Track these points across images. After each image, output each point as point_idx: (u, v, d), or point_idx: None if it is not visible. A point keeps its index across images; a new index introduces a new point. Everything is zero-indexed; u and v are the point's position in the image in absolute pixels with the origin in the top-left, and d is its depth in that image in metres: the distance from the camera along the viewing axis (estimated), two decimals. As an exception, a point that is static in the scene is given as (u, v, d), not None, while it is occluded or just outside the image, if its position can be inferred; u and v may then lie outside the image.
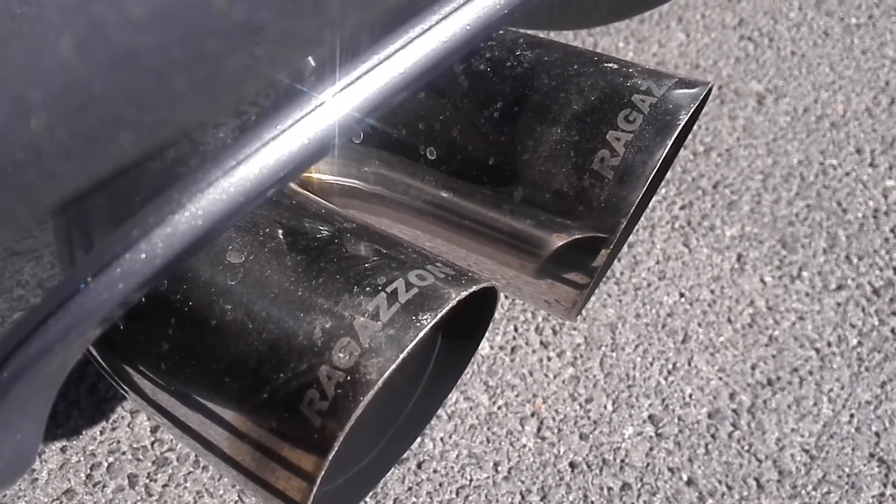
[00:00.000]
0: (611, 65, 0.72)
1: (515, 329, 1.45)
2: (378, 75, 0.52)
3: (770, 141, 1.71)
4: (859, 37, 1.90)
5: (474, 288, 0.62)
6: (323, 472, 0.57)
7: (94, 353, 0.68)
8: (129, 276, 0.46)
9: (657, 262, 1.54)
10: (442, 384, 0.77)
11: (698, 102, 0.69)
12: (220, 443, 0.62)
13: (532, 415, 1.37)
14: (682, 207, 1.61)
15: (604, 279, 1.51)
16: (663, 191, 1.62)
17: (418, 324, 0.58)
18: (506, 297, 1.52)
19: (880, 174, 1.67)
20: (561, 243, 0.69)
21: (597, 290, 1.50)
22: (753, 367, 1.44)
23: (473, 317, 0.73)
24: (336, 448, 0.56)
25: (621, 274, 1.52)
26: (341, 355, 0.57)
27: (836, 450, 1.34)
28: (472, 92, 0.71)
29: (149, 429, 1.33)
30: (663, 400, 1.39)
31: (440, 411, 1.37)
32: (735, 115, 1.74)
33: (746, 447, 1.34)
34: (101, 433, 1.32)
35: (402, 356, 0.57)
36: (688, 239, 1.57)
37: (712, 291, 1.51)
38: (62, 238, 0.45)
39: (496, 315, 1.46)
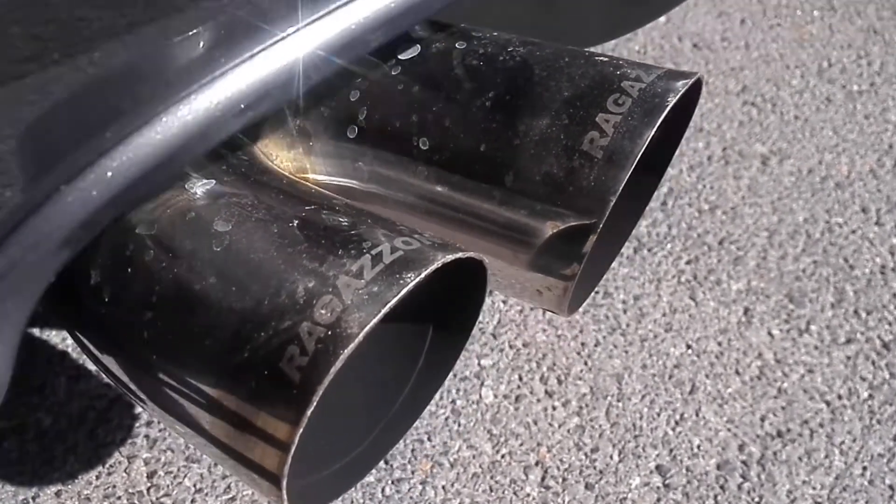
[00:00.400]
0: (601, 58, 0.73)
1: (520, 378, 1.43)
2: (346, 13, 0.53)
3: (775, 200, 1.71)
4: (862, 103, 1.93)
5: (461, 255, 0.62)
6: (301, 430, 0.56)
7: (78, 330, 0.67)
8: (101, 186, 0.46)
9: (663, 315, 1.53)
10: (432, 379, 0.76)
11: (687, 87, 0.70)
12: (201, 411, 0.61)
13: (536, 464, 1.34)
14: (687, 262, 1.60)
15: (609, 330, 1.50)
16: (668, 246, 1.62)
17: (401, 281, 0.58)
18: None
19: (886, 232, 1.67)
20: (551, 227, 0.69)
21: (602, 340, 1.48)
22: (763, 419, 1.41)
23: (462, 306, 0.72)
24: (315, 403, 0.55)
25: (627, 325, 1.51)
26: (323, 311, 0.57)
27: (850, 503, 1.30)
28: (465, 83, 0.73)
29: (145, 474, 1.30)
30: (671, 450, 1.36)
31: (443, 459, 1.34)
32: (739, 174, 1.76)
33: (757, 499, 1.30)
34: (97, 478, 1.30)
35: (383, 311, 0.56)
36: (694, 292, 1.56)
37: (719, 343, 1.49)
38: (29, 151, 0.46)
39: (500, 364, 1.45)
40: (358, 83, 0.75)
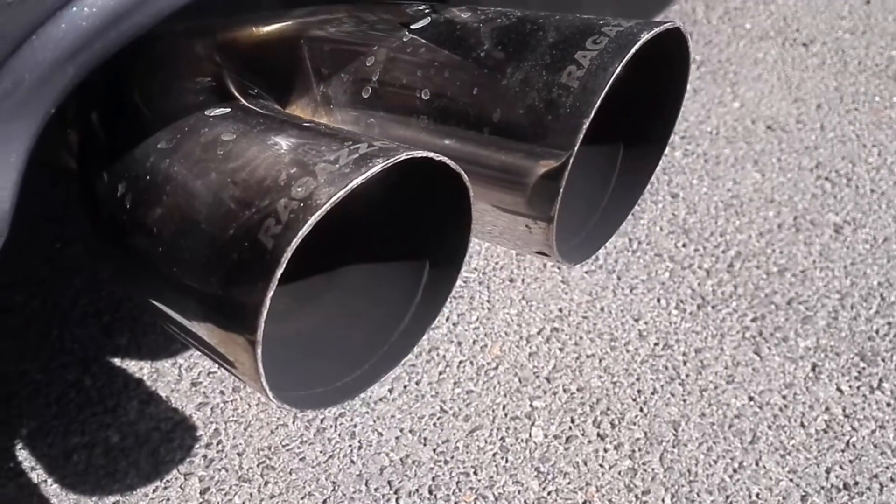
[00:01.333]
0: (591, 17, 0.80)
1: (572, 420, 1.43)
2: None
3: (848, 265, 1.69)
4: (943, 178, 1.90)
5: (432, 155, 0.68)
6: (271, 291, 0.61)
7: (102, 236, 0.76)
8: (89, 17, 0.54)
9: (725, 367, 1.51)
10: (428, 310, 0.80)
11: (664, 28, 0.76)
12: (193, 292, 0.67)
13: (584, 503, 1.32)
14: (753, 320, 1.59)
15: (668, 380, 1.49)
16: (734, 304, 1.61)
17: (370, 164, 0.64)
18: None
19: (968, 296, 1.61)
20: (532, 159, 0.74)
21: (660, 389, 1.47)
22: (828, 471, 1.35)
23: (452, 241, 0.77)
24: (283, 263, 0.61)
25: (686, 376, 1.50)
26: (299, 189, 0.64)
27: (922, 554, 1.22)
28: (464, 41, 0.81)
29: (198, 490, 1.36)
30: (727, 497, 1.32)
31: (488, 493, 1.34)
32: (811, 241, 1.75)
33: (818, 546, 1.24)
34: (154, 491, 1.36)
35: (350, 186, 0.62)
36: (759, 348, 1.54)
37: (784, 397, 1.46)
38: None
39: (553, 406, 1.45)
40: (374, 50, 0.84)
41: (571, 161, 0.71)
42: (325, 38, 0.88)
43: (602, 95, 0.71)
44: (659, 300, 1.64)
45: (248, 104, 0.80)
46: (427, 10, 0.87)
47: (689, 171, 1.93)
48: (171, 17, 0.77)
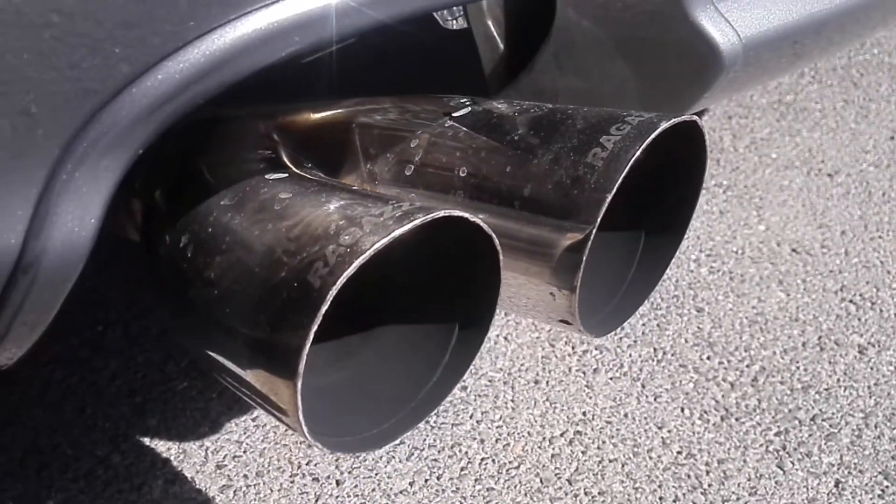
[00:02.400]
0: (615, 109, 0.88)
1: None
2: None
3: (872, 385, 1.71)
4: (967, 306, 1.93)
5: (468, 216, 0.74)
6: (316, 325, 0.67)
7: (162, 284, 0.82)
8: (184, 70, 0.62)
9: (748, 479, 1.52)
10: (455, 371, 0.85)
11: (682, 119, 0.83)
12: (242, 333, 0.73)
13: None
14: (776, 434, 1.60)
15: (690, 488, 1.50)
16: (757, 417, 1.63)
17: (412, 218, 0.70)
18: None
19: None
20: (558, 230, 0.81)
21: (682, 497, 1.48)
22: (851, 586, 1.34)
23: (480, 303, 0.83)
24: (328, 301, 0.67)
25: (709, 486, 1.51)
26: (346, 237, 0.70)
27: None
28: (501, 126, 0.89)
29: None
30: None
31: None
32: (835, 360, 1.77)
33: None
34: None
35: (393, 235, 0.69)
36: (782, 461, 1.55)
37: (805, 509, 1.46)
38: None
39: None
40: (418, 134, 0.92)
41: (594, 233, 0.77)
42: (373, 124, 0.97)
43: (624, 173, 0.77)
44: (683, 410, 1.66)
45: (304, 173, 0.87)
46: (467, 102, 0.95)
47: (714, 288, 1.98)
48: (237, 97, 0.86)
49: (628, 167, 0.78)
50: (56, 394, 1.67)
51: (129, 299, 1.90)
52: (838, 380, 1.71)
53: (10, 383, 1.70)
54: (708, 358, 1.78)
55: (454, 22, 1.08)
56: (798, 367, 1.74)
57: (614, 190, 0.77)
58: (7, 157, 0.61)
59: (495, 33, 1.10)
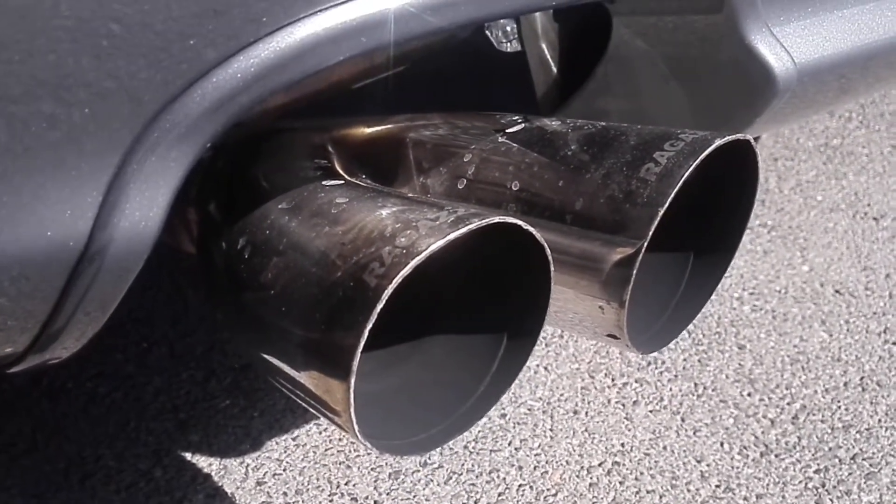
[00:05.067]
0: (668, 127, 0.90)
1: (629, 551, 1.43)
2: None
3: (915, 426, 1.69)
4: None
5: (523, 225, 0.76)
6: (371, 323, 0.69)
7: (219, 285, 0.85)
8: (247, 69, 0.65)
9: (787, 515, 1.51)
10: (502, 381, 0.86)
11: (735, 138, 0.85)
12: (299, 332, 0.75)
13: None
14: (816, 471, 1.59)
15: None
16: (797, 454, 1.62)
17: (468, 222, 0.73)
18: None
19: None
20: (609, 244, 0.82)
21: None
22: None
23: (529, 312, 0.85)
24: (384, 299, 0.69)
25: (747, 519, 1.49)
26: (403, 240, 0.72)
27: None
28: (554, 142, 0.91)
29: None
30: None
31: None
32: (877, 401, 1.76)
33: None
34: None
35: (449, 238, 0.71)
36: (821, 499, 1.53)
37: (847, 548, 1.44)
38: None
39: None
40: (471, 149, 0.94)
41: (645, 247, 0.79)
42: (426, 139, 0.99)
43: (677, 188, 0.79)
44: (722, 444, 1.65)
45: (359, 181, 0.90)
46: (520, 119, 0.98)
47: (756, 326, 1.97)
48: (294, 111, 0.89)
49: (681, 182, 0.80)
50: (101, 408, 1.71)
51: (174, 318, 1.93)
52: (879, 420, 1.69)
53: (56, 397, 1.73)
54: (749, 394, 1.77)
55: (509, 45, 1.11)
56: (839, 407, 1.72)
57: (667, 204, 0.79)
58: (84, 141, 0.63)
59: (549, 56, 1.13)
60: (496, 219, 0.75)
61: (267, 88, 0.70)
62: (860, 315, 2.01)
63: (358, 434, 0.74)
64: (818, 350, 1.90)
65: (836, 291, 2.10)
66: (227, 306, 0.88)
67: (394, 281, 0.70)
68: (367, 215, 0.79)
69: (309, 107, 0.97)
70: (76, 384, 1.76)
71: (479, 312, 0.89)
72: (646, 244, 0.80)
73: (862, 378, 1.81)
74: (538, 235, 0.79)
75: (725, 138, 0.84)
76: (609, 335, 0.87)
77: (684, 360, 1.86)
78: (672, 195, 0.80)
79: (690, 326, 1.99)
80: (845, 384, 1.80)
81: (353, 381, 0.71)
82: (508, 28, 1.13)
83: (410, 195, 0.86)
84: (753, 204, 0.95)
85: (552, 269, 0.82)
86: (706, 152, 0.81)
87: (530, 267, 0.82)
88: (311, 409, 0.80)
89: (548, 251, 0.80)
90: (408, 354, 0.91)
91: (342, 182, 0.89)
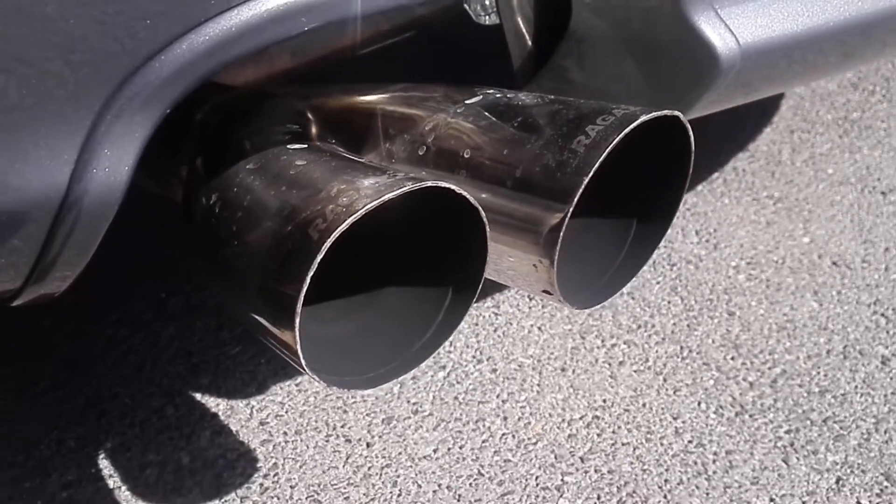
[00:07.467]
0: (609, 102, 0.98)
1: (598, 497, 1.54)
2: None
3: (889, 394, 1.76)
4: None
5: (455, 189, 0.85)
6: (312, 271, 0.79)
7: (192, 239, 0.96)
8: (205, 40, 0.75)
9: (752, 470, 1.59)
10: (446, 328, 0.97)
11: (662, 114, 0.93)
12: (254, 276, 0.86)
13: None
14: (787, 431, 1.67)
15: (695, 473, 1.57)
16: (771, 415, 1.69)
17: (403, 185, 0.82)
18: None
19: None
20: (542, 207, 0.91)
21: (686, 481, 1.55)
22: (841, 577, 1.40)
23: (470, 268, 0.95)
24: (323, 251, 0.79)
25: (714, 473, 1.58)
26: (344, 199, 0.82)
27: None
28: (504, 114, 1.00)
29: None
30: (736, 587, 1.39)
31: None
32: (856, 369, 1.82)
33: None
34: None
35: (382, 199, 0.81)
36: (788, 457, 1.62)
37: (804, 503, 1.53)
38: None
39: (581, 483, 1.56)
40: (432, 118, 1.04)
41: (571, 210, 0.88)
42: (396, 108, 1.09)
43: (601, 159, 0.87)
44: (699, 404, 1.74)
45: (321, 145, 1.00)
46: (479, 92, 1.07)
47: (749, 294, 2.04)
48: (277, 78, 0.99)
49: (605, 154, 0.88)
50: (119, 351, 1.85)
51: (191, 273, 2.06)
52: (856, 387, 1.76)
53: (78, 340, 1.88)
54: (732, 358, 1.84)
55: (487, 18, 1.20)
56: (818, 373, 1.80)
57: (591, 174, 0.88)
58: (59, 109, 0.75)
59: (524, 30, 1.21)
60: (428, 183, 0.85)
61: (218, 62, 0.80)
62: (853, 286, 2.07)
63: (305, 368, 0.85)
64: (806, 318, 1.96)
65: (833, 263, 2.16)
66: (202, 256, 0.99)
67: (332, 234, 0.80)
68: (320, 177, 0.90)
69: (294, 74, 1.07)
70: (97, 329, 1.90)
71: (428, 266, 0.99)
72: (571, 209, 0.89)
73: (845, 346, 1.87)
74: (471, 199, 0.88)
75: (651, 114, 0.92)
76: (544, 290, 0.97)
77: (674, 324, 1.94)
78: (596, 165, 0.89)
79: (684, 293, 2.08)
80: (828, 351, 1.87)
81: (298, 321, 0.82)
82: (487, 2, 1.21)
83: (361, 160, 0.95)
84: (688, 175, 1.03)
85: (487, 228, 0.92)
86: (631, 126, 0.90)
87: (470, 227, 0.92)
88: (271, 348, 0.91)
89: (482, 212, 0.90)
90: (363, 305, 1.02)
91: (305, 146, 0.99)
